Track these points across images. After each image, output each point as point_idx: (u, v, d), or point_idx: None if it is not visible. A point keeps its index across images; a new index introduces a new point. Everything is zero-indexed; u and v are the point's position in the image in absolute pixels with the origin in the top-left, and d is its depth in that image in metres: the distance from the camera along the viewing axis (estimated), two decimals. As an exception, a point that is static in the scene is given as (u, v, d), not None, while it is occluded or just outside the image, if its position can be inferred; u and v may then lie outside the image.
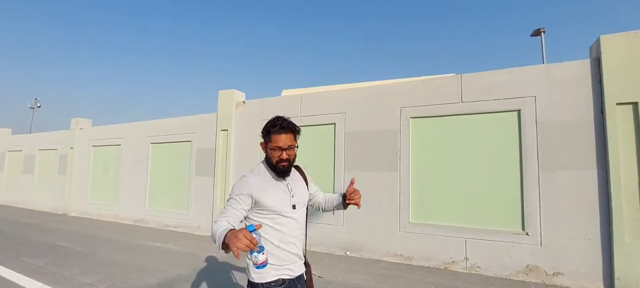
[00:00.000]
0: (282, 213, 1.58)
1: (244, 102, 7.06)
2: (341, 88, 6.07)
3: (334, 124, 5.71)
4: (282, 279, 1.57)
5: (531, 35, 11.13)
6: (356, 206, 1.72)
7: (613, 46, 3.90)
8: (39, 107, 24.93)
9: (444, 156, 4.87)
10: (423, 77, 5.34)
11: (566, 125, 4.14)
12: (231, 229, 1.33)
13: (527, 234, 4.23)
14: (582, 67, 4.12)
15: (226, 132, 7.04)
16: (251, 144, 6.70)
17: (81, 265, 4.69)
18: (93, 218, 9.38)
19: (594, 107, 4.02)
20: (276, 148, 1.57)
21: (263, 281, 1.55)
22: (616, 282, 3.73)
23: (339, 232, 5.44)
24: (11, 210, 10.69)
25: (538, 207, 4.19)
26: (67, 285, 3.86)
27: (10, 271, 4.32)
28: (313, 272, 1.88)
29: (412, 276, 4.36)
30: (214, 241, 1.37)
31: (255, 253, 1.30)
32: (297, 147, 1.65)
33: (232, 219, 1.47)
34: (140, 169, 8.64)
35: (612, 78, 3.88)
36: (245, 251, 1.24)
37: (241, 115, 6.97)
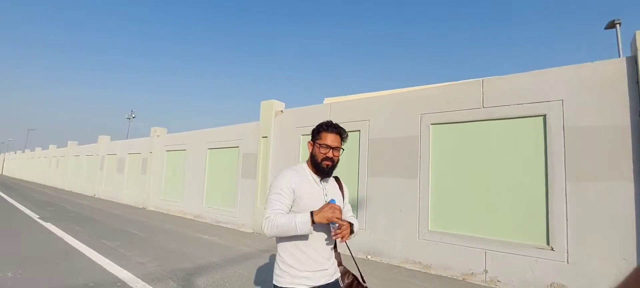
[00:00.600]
0: None
1: (282, 111, 7.66)
2: (366, 96, 6.24)
3: (359, 130, 5.93)
4: None
5: (605, 28, 9.69)
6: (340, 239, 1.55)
7: (654, 41, 3.44)
8: (134, 117, 29.77)
9: (465, 163, 4.73)
10: (445, 83, 5.23)
11: (598, 131, 3.74)
12: (312, 210, 1.48)
13: (552, 249, 3.90)
14: (617, 66, 3.69)
15: (266, 138, 7.72)
16: (288, 150, 7.23)
17: (140, 248, 5.69)
18: (164, 212, 10.96)
19: (631, 110, 3.57)
20: (324, 145, 1.61)
21: (279, 285, 1.56)
22: (657, 311, 3.25)
23: (362, 235, 5.60)
24: (106, 203, 13.04)
25: (565, 221, 3.84)
26: (124, 262, 4.79)
27: (90, 249, 5.48)
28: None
29: (426, 285, 4.33)
30: (286, 231, 1.47)
31: (331, 226, 1.51)
32: (343, 150, 1.68)
33: (285, 211, 1.55)
34: (199, 171, 9.88)
35: None
36: (339, 218, 1.45)
37: (279, 123, 7.58)
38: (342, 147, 1.66)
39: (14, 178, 32.63)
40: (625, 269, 3.48)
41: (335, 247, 1.75)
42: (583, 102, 3.86)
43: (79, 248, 5.55)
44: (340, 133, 1.66)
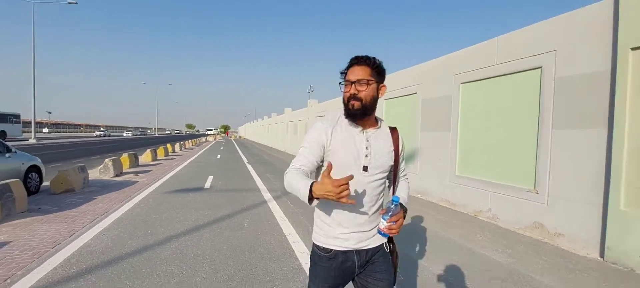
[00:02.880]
0: (346, 172, 1.16)
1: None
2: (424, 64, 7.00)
3: (416, 93, 6.99)
4: (329, 248, 1.32)
5: None
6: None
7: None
8: (312, 91, 37.28)
9: (483, 117, 5.22)
10: (476, 44, 5.49)
11: (583, 78, 3.69)
12: (314, 181, 1.12)
13: (536, 193, 4.23)
14: (603, 9, 3.46)
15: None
16: None
17: (280, 177, 9.27)
18: (315, 162, 14.97)
19: (612, 55, 3.39)
20: (347, 82, 1.28)
21: (315, 241, 1.38)
22: (606, 251, 3.38)
23: (415, 179, 6.89)
24: (286, 156, 18.59)
25: (548, 166, 4.07)
26: (267, 183, 8.36)
27: (258, 176, 9.54)
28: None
29: (448, 219, 5.45)
30: (293, 192, 1.19)
31: (382, 218, 1.20)
32: (379, 84, 1.30)
33: (305, 168, 1.26)
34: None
35: (627, 19, 3.19)
36: (344, 199, 1.03)
37: None
38: (373, 77, 1.28)
39: (249, 140, 48.21)
40: (590, 212, 3.58)
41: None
42: (573, 50, 3.80)
43: (253, 176, 9.73)
44: (367, 63, 1.28)
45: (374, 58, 1.29)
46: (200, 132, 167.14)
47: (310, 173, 1.27)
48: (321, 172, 1.32)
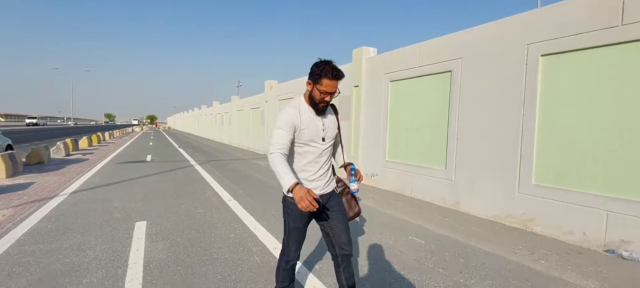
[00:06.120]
0: (310, 144, 1.86)
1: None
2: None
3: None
4: None
5: None
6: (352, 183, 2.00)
7: (355, 55, 7.56)
8: (241, 85, 40.23)
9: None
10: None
11: (345, 97, 8.08)
12: (297, 183, 1.65)
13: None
14: (348, 66, 7.85)
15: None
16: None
17: (204, 157, 12.61)
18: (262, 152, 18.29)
19: (352, 88, 7.79)
20: (325, 92, 1.80)
21: (287, 194, 1.80)
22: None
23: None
24: (217, 144, 21.53)
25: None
26: (195, 159, 11.68)
27: (188, 155, 12.74)
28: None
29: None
30: (277, 176, 1.71)
31: (352, 183, 1.95)
32: (339, 92, 1.87)
33: (285, 148, 1.79)
34: (249, 122, 16.49)
35: (353, 73, 7.60)
36: (307, 210, 1.59)
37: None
38: (338, 87, 1.84)
39: (178, 130, 48.66)
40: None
41: (334, 170, 2.12)
42: (346, 83, 8.15)
43: (184, 155, 12.89)
44: (340, 77, 1.81)
45: (342, 72, 1.82)
46: (117, 124, 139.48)
47: (288, 149, 1.81)
48: (294, 145, 1.88)
